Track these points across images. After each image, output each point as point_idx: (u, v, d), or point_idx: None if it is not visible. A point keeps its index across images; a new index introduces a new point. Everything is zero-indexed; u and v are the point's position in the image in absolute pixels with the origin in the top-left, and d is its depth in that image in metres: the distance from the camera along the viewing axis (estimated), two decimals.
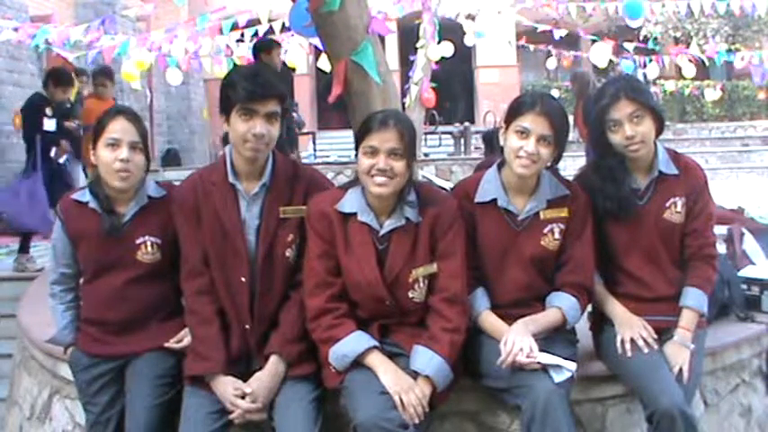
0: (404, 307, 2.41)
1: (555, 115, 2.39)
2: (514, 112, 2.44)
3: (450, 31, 11.23)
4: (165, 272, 2.56)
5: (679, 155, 2.66)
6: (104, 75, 7.24)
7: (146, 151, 2.56)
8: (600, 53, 10.63)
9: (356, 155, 2.39)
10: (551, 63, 14.46)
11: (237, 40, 10.79)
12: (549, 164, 2.48)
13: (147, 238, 2.54)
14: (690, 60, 11.80)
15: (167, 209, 2.55)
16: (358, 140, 2.38)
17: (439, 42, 9.73)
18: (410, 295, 2.39)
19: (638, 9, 9.65)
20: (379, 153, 2.31)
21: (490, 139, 7.23)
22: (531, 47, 14.52)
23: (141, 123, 2.58)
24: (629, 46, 12.24)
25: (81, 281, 2.70)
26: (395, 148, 2.31)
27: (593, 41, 11.20)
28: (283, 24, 10.61)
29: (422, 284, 2.39)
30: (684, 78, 13.56)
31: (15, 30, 8.62)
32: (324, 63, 9.89)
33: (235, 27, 10.02)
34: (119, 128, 2.50)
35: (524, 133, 2.39)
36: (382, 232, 2.39)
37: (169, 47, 9.69)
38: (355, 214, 2.39)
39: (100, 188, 2.56)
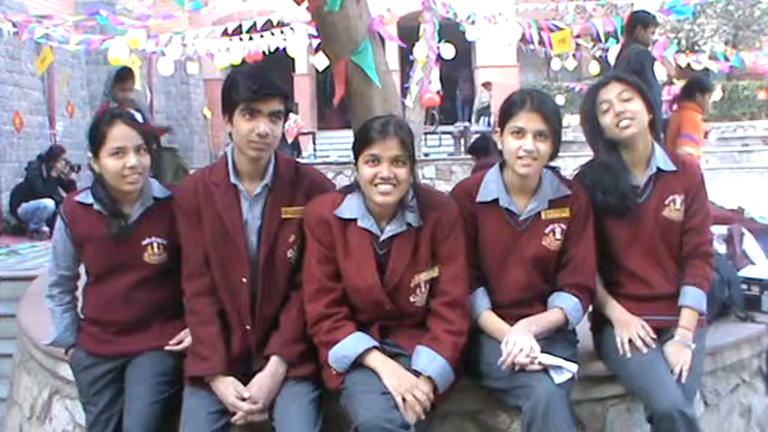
0: (404, 311, 2.40)
1: (547, 110, 2.40)
2: (507, 113, 2.43)
3: (450, 32, 11.22)
4: (171, 273, 2.55)
5: (676, 153, 2.67)
6: None
7: (149, 148, 2.53)
8: (601, 27, 10.87)
9: (355, 163, 2.37)
10: (555, 64, 14.42)
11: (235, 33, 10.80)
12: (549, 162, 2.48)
13: (153, 239, 2.53)
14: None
15: (173, 209, 2.52)
16: (357, 149, 2.35)
17: (439, 42, 9.73)
18: (411, 300, 2.38)
19: (684, 7, 9.73)
20: (382, 161, 2.29)
21: (479, 147, 6.61)
22: (532, 47, 14.49)
23: (139, 124, 2.54)
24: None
25: (82, 282, 2.68)
26: (398, 156, 2.30)
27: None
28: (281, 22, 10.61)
29: (423, 289, 2.39)
30: (708, 70, 13.55)
31: (15, 30, 8.61)
32: (317, 61, 9.94)
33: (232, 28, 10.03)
34: (120, 134, 2.45)
35: (520, 132, 2.39)
36: (383, 238, 2.38)
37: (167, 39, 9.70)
38: (355, 219, 2.38)
39: (104, 191, 2.52)
